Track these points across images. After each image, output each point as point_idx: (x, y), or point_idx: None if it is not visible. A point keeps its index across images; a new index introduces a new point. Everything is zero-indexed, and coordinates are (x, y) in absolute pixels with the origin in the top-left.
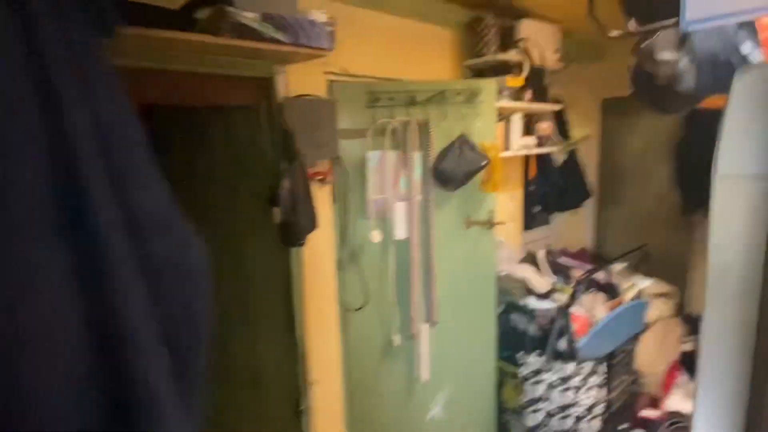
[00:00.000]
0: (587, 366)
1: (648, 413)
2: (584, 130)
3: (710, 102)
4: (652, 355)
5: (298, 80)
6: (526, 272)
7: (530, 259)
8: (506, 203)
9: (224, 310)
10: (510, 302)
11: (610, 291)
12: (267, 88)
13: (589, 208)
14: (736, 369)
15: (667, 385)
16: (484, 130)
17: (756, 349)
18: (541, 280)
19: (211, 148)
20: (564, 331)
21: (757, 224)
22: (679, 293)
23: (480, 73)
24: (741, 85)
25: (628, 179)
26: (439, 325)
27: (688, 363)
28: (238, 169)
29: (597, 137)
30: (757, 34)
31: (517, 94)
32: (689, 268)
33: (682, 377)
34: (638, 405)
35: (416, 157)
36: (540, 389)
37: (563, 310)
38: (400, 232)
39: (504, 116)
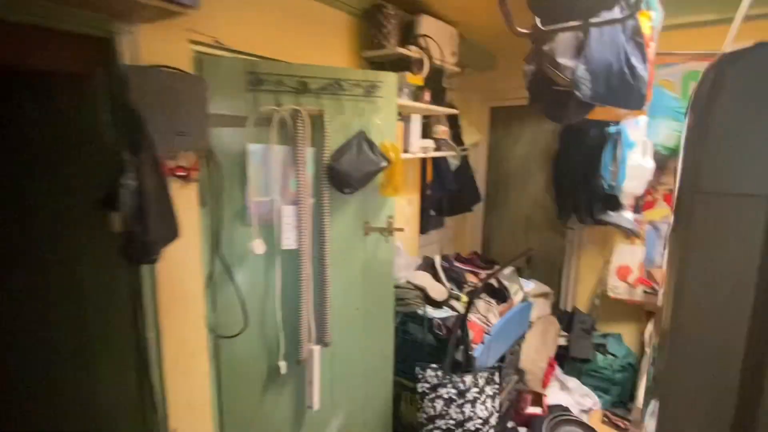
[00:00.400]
0: (483, 376)
1: (532, 410)
2: (475, 136)
3: (596, 113)
4: (534, 353)
5: (153, 47)
6: (424, 280)
7: (427, 265)
8: (404, 208)
9: (49, 345)
10: (408, 313)
11: (500, 295)
12: (105, 51)
13: (477, 211)
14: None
15: (546, 381)
16: (385, 129)
17: (743, 366)
18: (438, 288)
19: (28, 129)
20: (462, 340)
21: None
22: (555, 292)
23: (379, 66)
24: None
25: (512, 185)
26: (333, 345)
27: (560, 357)
28: (66, 159)
29: (485, 144)
30: (644, 47)
31: (416, 94)
32: (563, 268)
33: (557, 371)
34: (523, 403)
35: (308, 153)
36: (438, 405)
37: (461, 319)
38: (288, 241)
39: (403, 116)
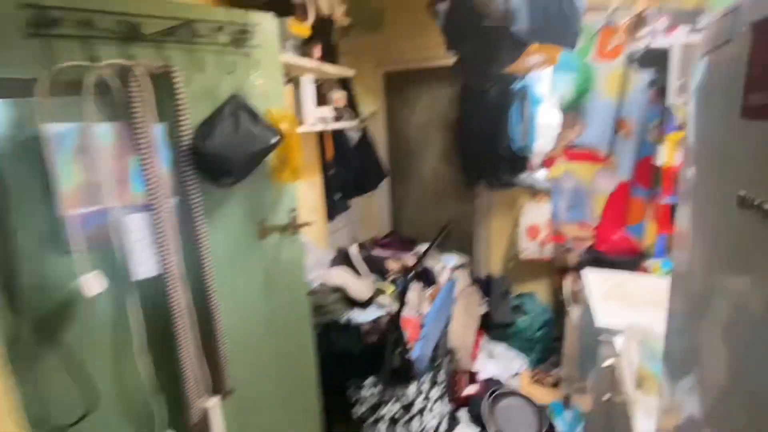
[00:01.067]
0: (426, 380)
1: (468, 390)
2: (372, 105)
3: (516, 66)
4: (462, 329)
5: None
6: (343, 277)
7: (342, 258)
8: (305, 194)
9: None
10: (328, 322)
11: (425, 277)
12: None
13: (382, 187)
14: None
15: (474, 354)
16: (269, 92)
17: None
18: (360, 285)
19: None
20: (397, 343)
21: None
22: (470, 260)
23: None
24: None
25: (415, 156)
26: (238, 389)
27: (484, 325)
28: None
29: (382, 113)
30: None
31: (304, 50)
32: (475, 235)
33: (483, 340)
34: (458, 385)
35: (156, 132)
36: (382, 429)
37: (394, 319)
38: (143, 266)
39: (290, 79)
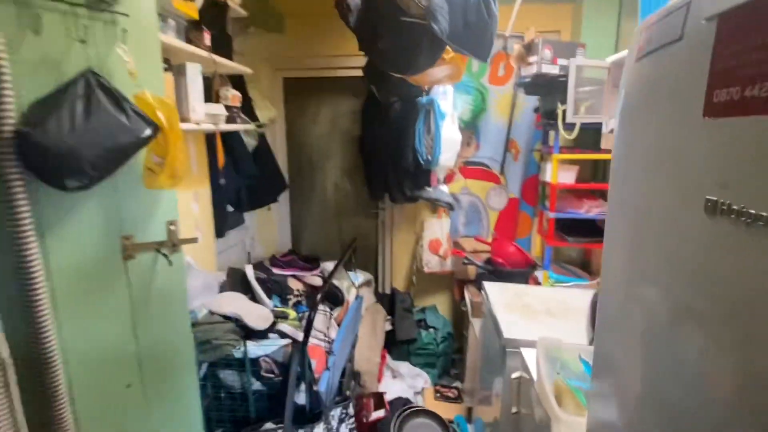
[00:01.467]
0: (335, 415)
1: (376, 414)
2: (270, 111)
3: (423, 78)
4: (367, 350)
5: None
6: (237, 304)
7: (236, 281)
8: (189, 205)
9: None
10: (219, 359)
11: (333, 298)
12: None
13: (282, 201)
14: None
15: (380, 375)
16: (143, 73)
17: None
18: (258, 311)
19: None
20: (302, 377)
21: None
22: (374, 277)
23: None
24: None
25: (316, 168)
26: None
27: (387, 344)
28: None
29: (282, 121)
30: None
31: (191, 35)
32: (378, 251)
33: (387, 359)
34: (365, 410)
35: None
36: None
37: (300, 350)
38: None
39: (173, 66)
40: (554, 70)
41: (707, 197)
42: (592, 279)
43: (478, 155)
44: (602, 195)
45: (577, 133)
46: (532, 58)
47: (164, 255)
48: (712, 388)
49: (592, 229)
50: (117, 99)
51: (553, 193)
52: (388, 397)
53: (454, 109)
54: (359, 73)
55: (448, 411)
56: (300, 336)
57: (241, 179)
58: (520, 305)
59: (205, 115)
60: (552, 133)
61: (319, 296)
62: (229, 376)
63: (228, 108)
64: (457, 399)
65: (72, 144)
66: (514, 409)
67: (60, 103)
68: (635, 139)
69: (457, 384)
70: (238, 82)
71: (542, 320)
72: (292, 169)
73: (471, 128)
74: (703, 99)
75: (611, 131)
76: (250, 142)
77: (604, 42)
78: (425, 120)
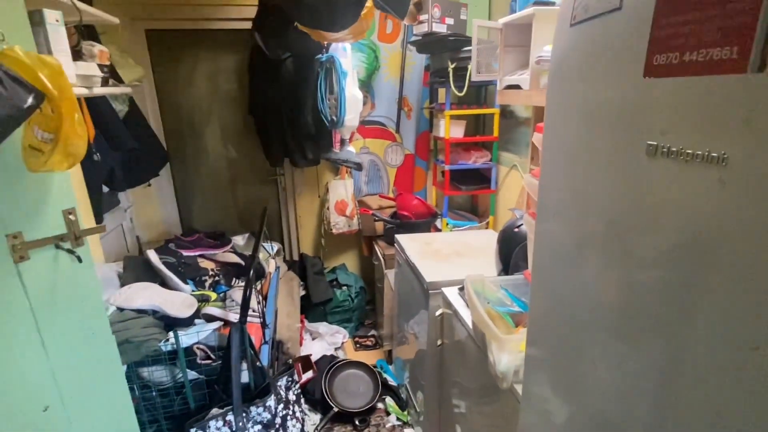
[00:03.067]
0: (282, 384)
1: (306, 377)
2: (136, 70)
3: (324, 34)
4: (287, 318)
5: None
6: (151, 294)
7: (139, 269)
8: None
9: None
10: (146, 357)
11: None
12: None
13: (164, 174)
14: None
15: (301, 339)
16: (2, 22)
17: None
18: (179, 298)
19: None
20: (245, 356)
21: None
22: (282, 244)
23: None
24: None
25: (198, 135)
26: None
27: (303, 308)
28: None
29: (150, 81)
30: None
31: None
32: (282, 217)
33: (305, 324)
34: (297, 375)
35: None
36: None
37: (239, 329)
38: None
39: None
40: (443, 29)
41: (648, 142)
42: (480, 221)
43: (373, 114)
44: (484, 146)
45: (466, 90)
46: (423, 16)
47: (69, 251)
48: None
49: (479, 178)
50: None
51: (447, 146)
52: (313, 358)
53: (354, 67)
54: (237, 25)
55: (369, 357)
56: (231, 317)
57: (119, 152)
58: (431, 251)
59: (79, 77)
60: (442, 91)
61: (251, 273)
62: (155, 372)
63: (101, 68)
64: (375, 346)
65: None
66: (438, 342)
67: None
68: (571, 96)
69: (373, 332)
70: (88, 36)
71: (453, 261)
72: (170, 137)
73: (366, 87)
74: (644, 62)
75: (506, 87)
76: (121, 108)
77: (478, 3)
78: (326, 79)
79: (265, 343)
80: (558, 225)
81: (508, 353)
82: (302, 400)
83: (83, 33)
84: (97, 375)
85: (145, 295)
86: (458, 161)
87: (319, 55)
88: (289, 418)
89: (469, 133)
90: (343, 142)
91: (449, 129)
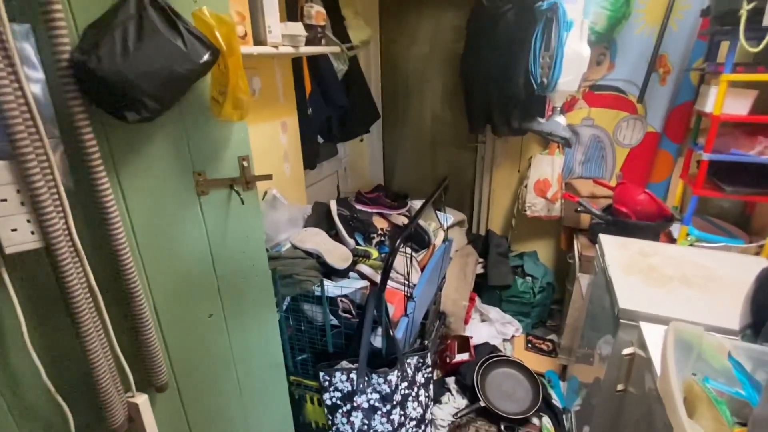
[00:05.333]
0: (411, 363)
1: (460, 357)
2: (364, 31)
3: None
4: (455, 293)
5: None
6: (318, 240)
7: (320, 216)
8: (276, 136)
9: None
10: (299, 294)
11: (419, 240)
12: None
13: (375, 132)
14: None
15: (467, 317)
16: None
17: None
18: (339, 250)
19: None
20: (379, 322)
21: None
22: (468, 216)
23: None
24: None
25: (412, 96)
26: (181, 379)
27: (478, 287)
28: None
29: (376, 42)
30: None
31: None
32: (475, 189)
33: (477, 302)
34: (449, 351)
35: (17, 36)
36: (356, 420)
37: (376, 296)
38: (17, 235)
39: None
40: None
41: None
42: (750, 241)
43: (609, 77)
44: None
45: (765, 44)
46: None
47: (237, 192)
48: None
49: (760, 178)
50: (171, 19)
51: (714, 125)
52: (474, 341)
53: (585, 15)
54: None
55: (538, 363)
56: (377, 278)
57: (331, 108)
58: (644, 267)
59: (285, 36)
60: (725, 45)
61: (399, 240)
62: (309, 309)
63: (310, 27)
64: (552, 353)
65: (126, 73)
66: (620, 387)
67: (112, 25)
68: None
69: (552, 337)
70: None
71: (673, 290)
72: (386, 96)
73: (604, 41)
74: None
75: None
76: (340, 67)
77: None
78: (544, 32)
79: (406, 315)
80: None
81: None
82: (430, 388)
83: None
84: (252, 300)
85: (314, 240)
86: (730, 149)
87: (540, 2)
88: (410, 399)
89: (759, 110)
90: (554, 110)
91: (723, 101)
